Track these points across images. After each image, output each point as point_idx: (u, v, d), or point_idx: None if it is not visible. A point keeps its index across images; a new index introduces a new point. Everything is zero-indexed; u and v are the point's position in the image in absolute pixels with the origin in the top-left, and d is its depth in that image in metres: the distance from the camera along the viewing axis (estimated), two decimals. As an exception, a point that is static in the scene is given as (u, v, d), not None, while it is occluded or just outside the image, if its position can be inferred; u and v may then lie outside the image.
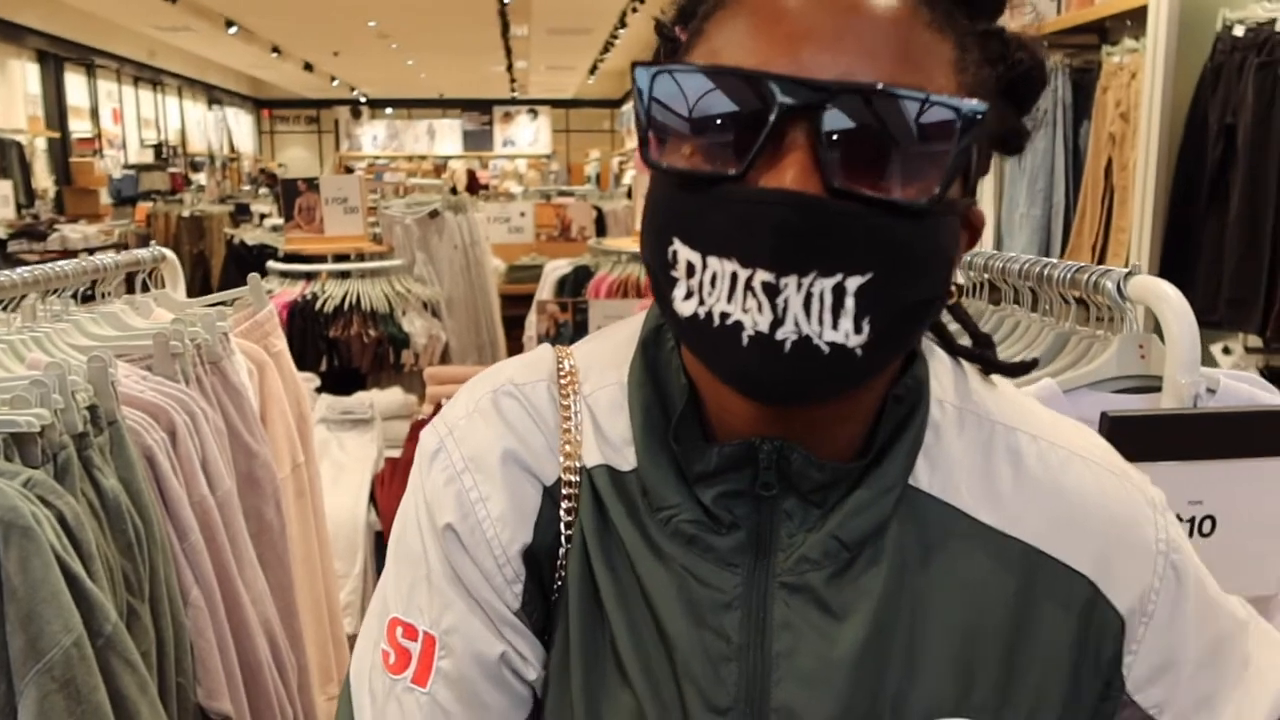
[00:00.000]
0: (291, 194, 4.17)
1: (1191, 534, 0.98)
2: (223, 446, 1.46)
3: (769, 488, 0.57)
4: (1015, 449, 0.60)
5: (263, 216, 7.43)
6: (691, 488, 0.58)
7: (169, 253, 1.86)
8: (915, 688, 0.57)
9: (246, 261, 5.05)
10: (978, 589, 0.58)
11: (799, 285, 0.48)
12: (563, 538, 0.61)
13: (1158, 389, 1.05)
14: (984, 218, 0.60)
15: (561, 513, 0.61)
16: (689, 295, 0.51)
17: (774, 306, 0.49)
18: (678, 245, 0.51)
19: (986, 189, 3.83)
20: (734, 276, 0.49)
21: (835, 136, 0.48)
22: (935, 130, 0.49)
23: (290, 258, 4.00)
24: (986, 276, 1.39)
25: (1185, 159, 2.71)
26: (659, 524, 0.59)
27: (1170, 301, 1.01)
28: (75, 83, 12.95)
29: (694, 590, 0.57)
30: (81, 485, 1.06)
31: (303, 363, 3.42)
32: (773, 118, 0.48)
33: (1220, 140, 2.60)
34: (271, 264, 3.97)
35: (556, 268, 4.62)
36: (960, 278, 1.76)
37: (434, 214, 4.71)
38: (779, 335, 0.49)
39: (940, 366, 0.63)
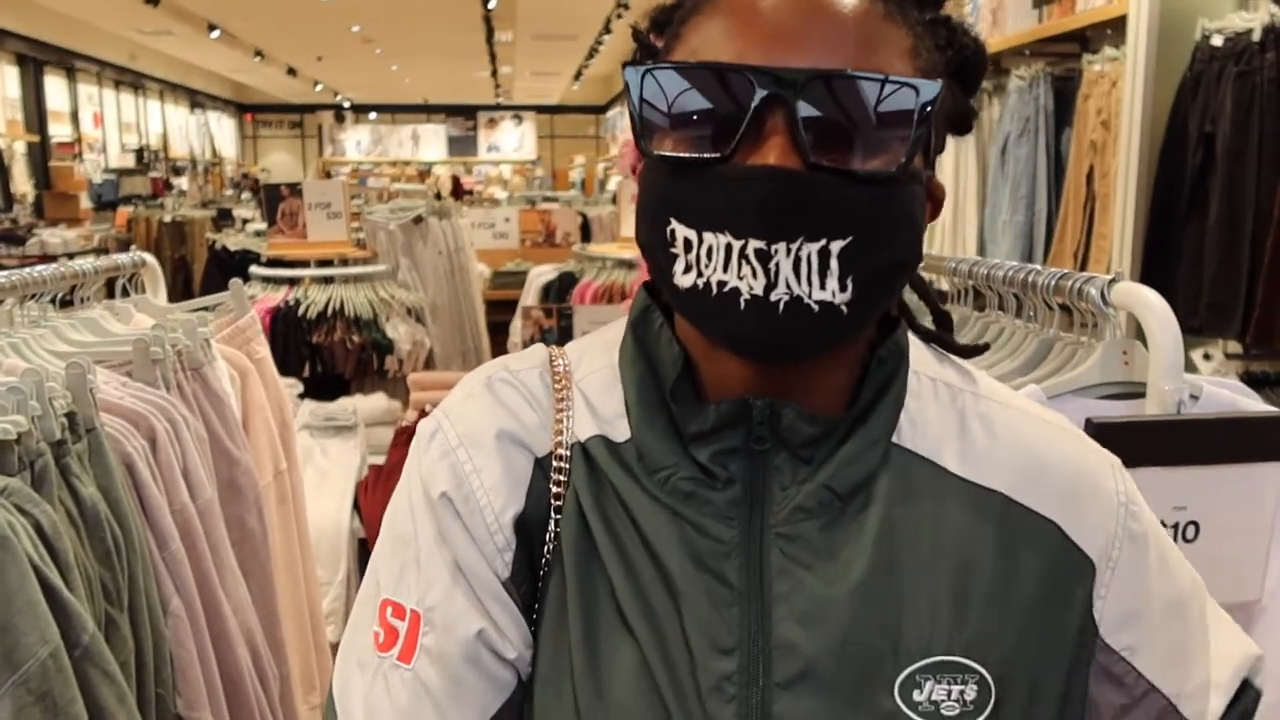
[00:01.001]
0: (274, 199, 4.15)
1: (1176, 540, 0.98)
2: (204, 453, 1.45)
3: (762, 442, 0.61)
4: (985, 414, 0.66)
5: (245, 221, 7.39)
6: (687, 448, 0.62)
7: (149, 257, 1.85)
8: (912, 624, 0.60)
9: (229, 267, 5.01)
10: (962, 534, 0.62)
11: (788, 250, 0.54)
12: (552, 509, 0.64)
13: (1141, 395, 1.06)
14: (944, 189, 0.65)
15: (551, 485, 0.64)
16: (688, 269, 0.57)
17: (767, 271, 0.54)
18: (675, 224, 0.57)
19: (970, 196, 3.85)
20: (728, 248, 0.55)
21: (809, 118, 0.54)
22: (897, 108, 0.55)
23: (273, 263, 3.97)
24: (971, 283, 1.39)
25: (1165, 166, 2.74)
26: (657, 484, 0.62)
27: (1154, 308, 1.02)
28: (55, 86, 12.85)
29: (694, 540, 0.61)
30: (59, 493, 1.05)
31: (286, 369, 3.40)
32: (754, 104, 0.54)
33: (1200, 148, 2.63)
34: (254, 269, 3.95)
35: (541, 273, 4.61)
36: (945, 284, 1.77)
37: (418, 219, 4.69)
38: (773, 297, 0.55)
39: (913, 342, 0.69)
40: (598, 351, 0.70)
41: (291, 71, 16.73)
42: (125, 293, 1.76)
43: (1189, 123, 2.66)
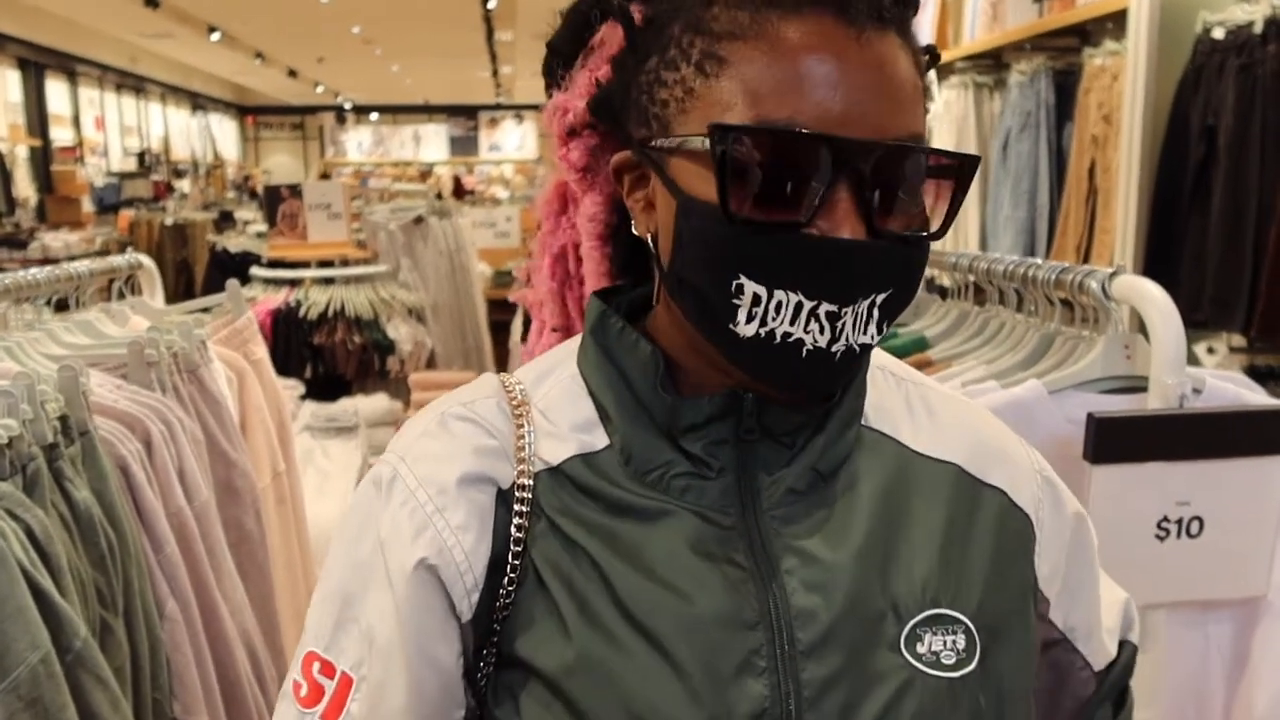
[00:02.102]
0: (275, 200, 4.15)
1: (1179, 535, 0.97)
2: (200, 456, 1.44)
3: (751, 433, 0.65)
4: (925, 397, 0.74)
5: (246, 223, 7.38)
6: (675, 442, 0.65)
7: (146, 259, 1.84)
8: (905, 582, 0.65)
9: (230, 269, 5.00)
10: (936, 501, 0.68)
11: (854, 310, 0.60)
12: (513, 540, 0.65)
13: (1143, 389, 1.04)
14: None
15: (514, 515, 0.65)
16: (750, 319, 0.60)
17: (834, 329, 0.60)
18: (744, 280, 0.59)
19: (971, 191, 3.83)
20: (799, 305, 0.59)
21: (879, 186, 0.58)
22: (944, 173, 0.61)
23: (274, 264, 3.96)
24: (971, 278, 1.38)
25: (1167, 160, 2.72)
26: (651, 483, 0.65)
27: (1156, 301, 1.00)
28: (57, 90, 12.86)
29: (698, 529, 0.64)
30: (52, 497, 1.04)
31: (287, 370, 3.39)
32: (827, 173, 0.57)
33: (1202, 141, 2.61)
34: (255, 270, 3.94)
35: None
36: (946, 280, 1.76)
37: (419, 220, 4.69)
38: (833, 349, 0.60)
39: None
40: (553, 369, 0.71)
41: (292, 73, 16.73)
42: (122, 295, 1.75)
43: (1191, 116, 2.64)
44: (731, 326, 0.60)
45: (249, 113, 22.15)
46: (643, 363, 0.66)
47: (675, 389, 0.66)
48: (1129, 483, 0.96)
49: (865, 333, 0.61)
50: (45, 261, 7.31)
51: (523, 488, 0.65)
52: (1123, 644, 0.78)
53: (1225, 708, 1.09)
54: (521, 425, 0.67)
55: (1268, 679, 1.07)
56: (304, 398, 3.38)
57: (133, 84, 15.57)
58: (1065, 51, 3.33)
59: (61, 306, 1.66)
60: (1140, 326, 1.10)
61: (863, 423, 0.70)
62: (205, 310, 1.85)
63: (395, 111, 22.24)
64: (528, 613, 0.64)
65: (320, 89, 19.46)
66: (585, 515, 0.65)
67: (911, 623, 0.64)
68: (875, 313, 0.61)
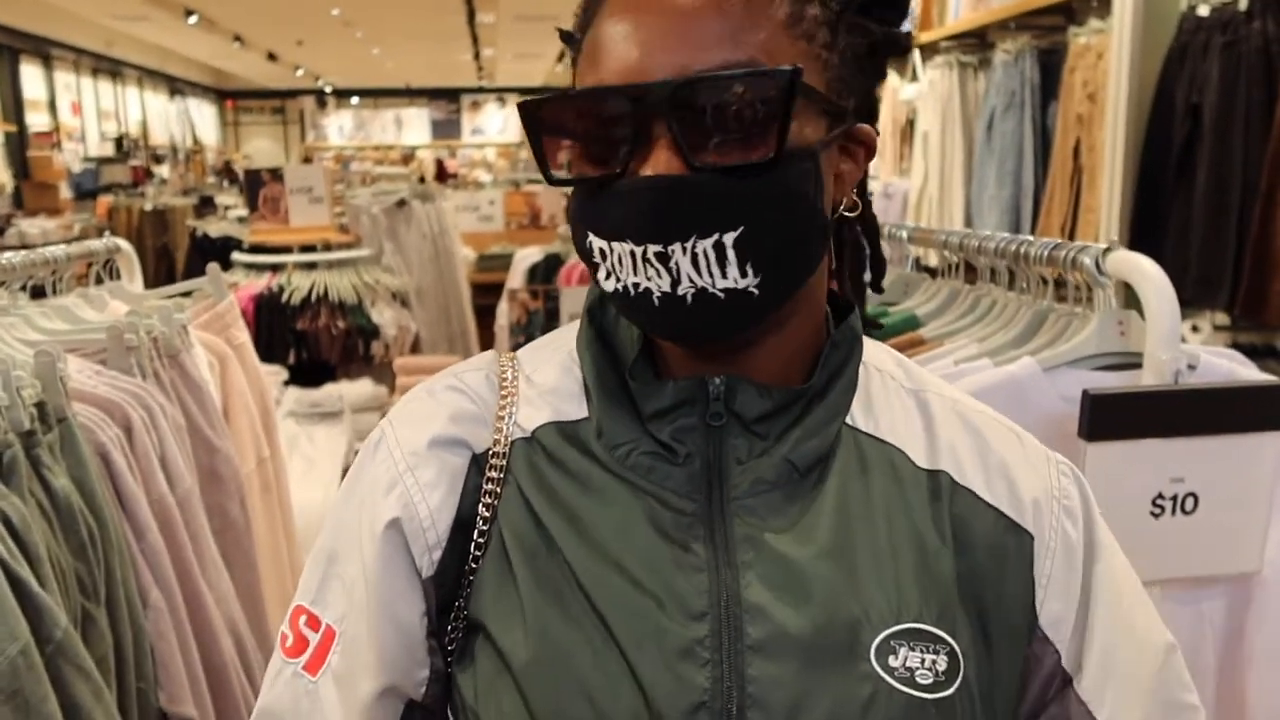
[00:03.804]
0: (255, 184, 4.10)
1: (1174, 512, 0.97)
2: (182, 442, 1.42)
3: (718, 418, 0.64)
4: (925, 403, 0.70)
5: (227, 208, 7.30)
6: (646, 425, 0.65)
7: (124, 243, 1.81)
8: (880, 592, 0.61)
9: (211, 254, 4.95)
10: (918, 510, 0.65)
11: (684, 249, 0.58)
12: (483, 504, 0.66)
13: (1138, 366, 1.04)
14: (872, 134, 0.67)
15: (486, 481, 0.66)
16: (608, 275, 0.62)
17: (670, 270, 0.59)
18: (591, 237, 0.62)
19: (956, 171, 3.82)
20: (633, 254, 0.59)
21: (683, 124, 0.58)
22: (761, 97, 0.58)
23: (255, 249, 3.92)
24: (962, 255, 1.37)
25: (1152, 139, 2.72)
26: (618, 459, 0.65)
27: (1151, 277, 0.99)
28: (31, 75, 12.67)
29: (658, 512, 0.63)
30: (30, 485, 1.02)
31: (271, 356, 3.36)
32: (631, 120, 0.58)
33: (1187, 120, 2.61)
34: (236, 256, 3.90)
35: (527, 256, 4.57)
36: (934, 259, 1.75)
37: (401, 203, 4.64)
38: (679, 291, 0.59)
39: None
40: (552, 345, 0.73)
41: (272, 57, 16.53)
42: (100, 280, 1.72)
43: (1176, 94, 2.64)
44: (603, 285, 0.62)
45: (228, 97, 21.90)
46: (626, 345, 0.67)
47: (657, 373, 0.67)
48: (1124, 460, 0.96)
49: (724, 275, 0.59)
50: (23, 249, 7.20)
51: (497, 454, 0.66)
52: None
53: (1218, 683, 1.09)
54: (506, 396, 0.68)
55: (1260, 655, 1.07)
56: (288, 384, 3.35)
57: (109, 68, 15.35)
58: (1050, 30, 3.32)
59: (39, 294, 1.63)
60: (1129, 303, 1.10)
61: (850, 423, 0.67)
62: (186, 295, 1.82)
63: (376, 95, 22.04)
64: (491, 581, 0.65)
65: (300, 72, 19.25)
66: (552, 486, 0.65)
67: (886, 632, 0.60)
68: (730, 253, 0.58)
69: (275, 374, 3.19)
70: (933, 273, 1.55)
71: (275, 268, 3.72)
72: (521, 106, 0.62)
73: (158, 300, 1.68)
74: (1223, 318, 2.67)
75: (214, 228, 5.68)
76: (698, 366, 0.65)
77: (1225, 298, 2.54)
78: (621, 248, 0.60)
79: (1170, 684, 0.67)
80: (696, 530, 0.62)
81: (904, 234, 1.52)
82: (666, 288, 0.59)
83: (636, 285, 0.60)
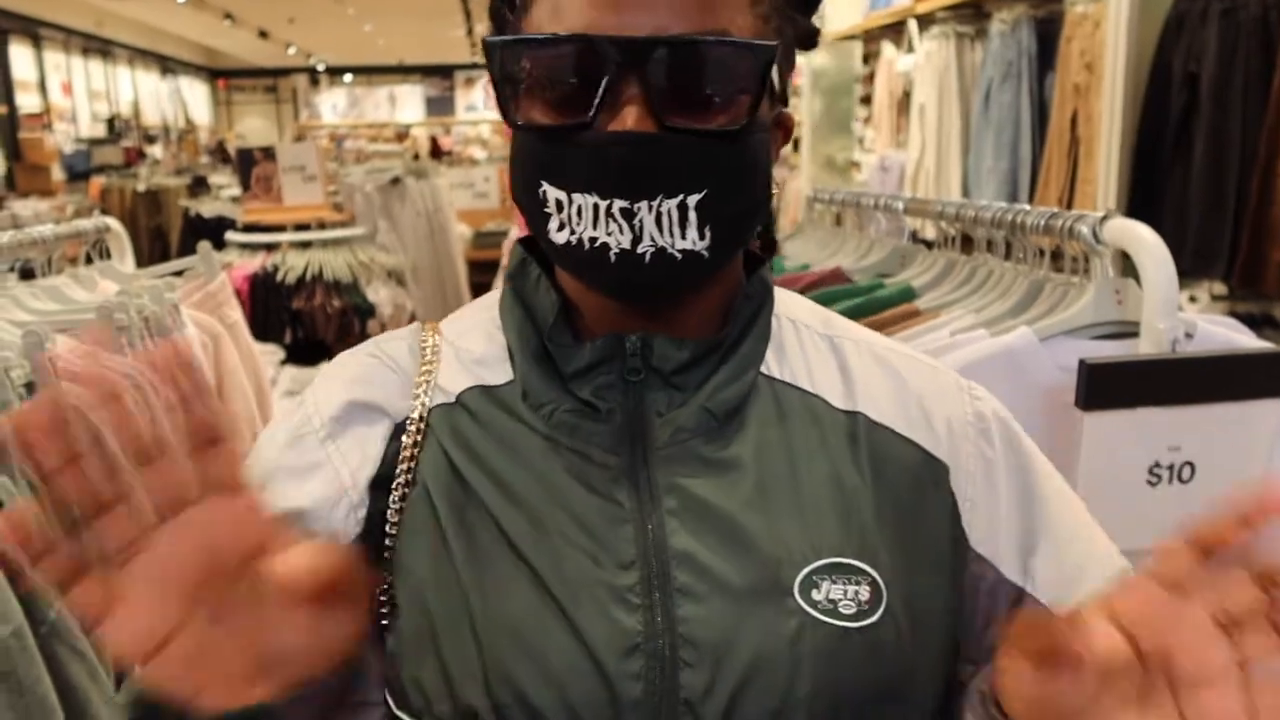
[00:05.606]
0: (248, 163, 4.07)
1: (1171, 481, 0.96)
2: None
3: (636, 373, 0.66)
4: (839, 348, 0.72)
5: (220, 188, 7.26)
6: (568, 385, 0.66)
7: (114, 222, 1.79)
8: (801, 531, 0.64)
9: (204, 234, 4.88)
10: (836, 452, 0.67)
11: (650, 208, 0.60)
12: (406, 465, 0.67)
13: (1135, 334, 1.03)
14: (793, 119, 0.70)
15: (405, 446, 0.67)
16: (561, 227, 0.62)
17: (633, 227, 0.60)
18: (546, 186, 0.62)
19: (953, 143, 3.80)
20: (596, 207, 0.60)
21: (659, 83, 0.59)
22: (738, 67, 0.60)
23: (249, 229, 3.90)
24: (959, 226, 1.36)
25: (1150, 108, 2.70)
26: (542, 419, 0.66)
27: (1148, 245, 0.99)
28: (21, 55, 12.56)
29: (582, 468, 0.65)
30: (20, 466, 1.01)
31: (266, 335, 3.35)
32: (608, 73, 0.58)
33: (1184, 89, 2.59)
34: (230, 235, 3.87)
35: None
36: (931, 231, 1.74)
37: (395, 181, 4.62)
38: (639, 249, 0.60)
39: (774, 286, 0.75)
40: (476, 311, 0.75)
41: (263, 34, 16.39)
42: (90, 261, 1.71)
43: (1173, 63, 2.62)
44: (550, 236, 0.63)
45: (220, 76, 21.74)
46: (545, 308, 0.68)
47: (576, 335, 0.68)
48: (1121, 429, 0.95)
49: (684, 236, 0.61)
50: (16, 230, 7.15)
51: (413, 420, 0.67)
52: None
53: (1214, 652, 1.10)
54: (427, 364, 0.70)
55: (1257, 622, 1.07)
56: (284, 363, 3.34)
57: (99, 48, 15.22)
58: (1047, 0, 3.30)
59: (28, 275, 1.62)
60: (1126, 273, 1.09)
61: (765, 371, 0.69)
62: (177, 274, 1.81)
63: (369, 73, 21.89)
64: (419, 537, 0.65)
65: (292, 50, 19.11)
66: (476, 448, 0.66)
67: (808, 569, 0.63)
68: (691, 215, 0.60)
69: (272, 353, 3.18)
70: (930, 246, 1.54)
71: (270, 247, 3.71)
72: (487, 44, 0.62)
73: (149, 280, 1.67)
74: (1220, 288, 2.67)
75: (207, 208, 5.65)
76: (616, 325, 0.66)
77: (1223, 267, 2.53)
78: (584, 200, 0.60)
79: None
80: (622, 483, 0.64)
81: (900, 205, 1.51)
82: (627, 245, 0.60)
83: (594, 239, 0.61)
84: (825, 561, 0.63)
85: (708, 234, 0.61)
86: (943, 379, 0.72)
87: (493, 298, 0.74)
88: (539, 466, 0.65)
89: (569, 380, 0.66)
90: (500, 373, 0.69)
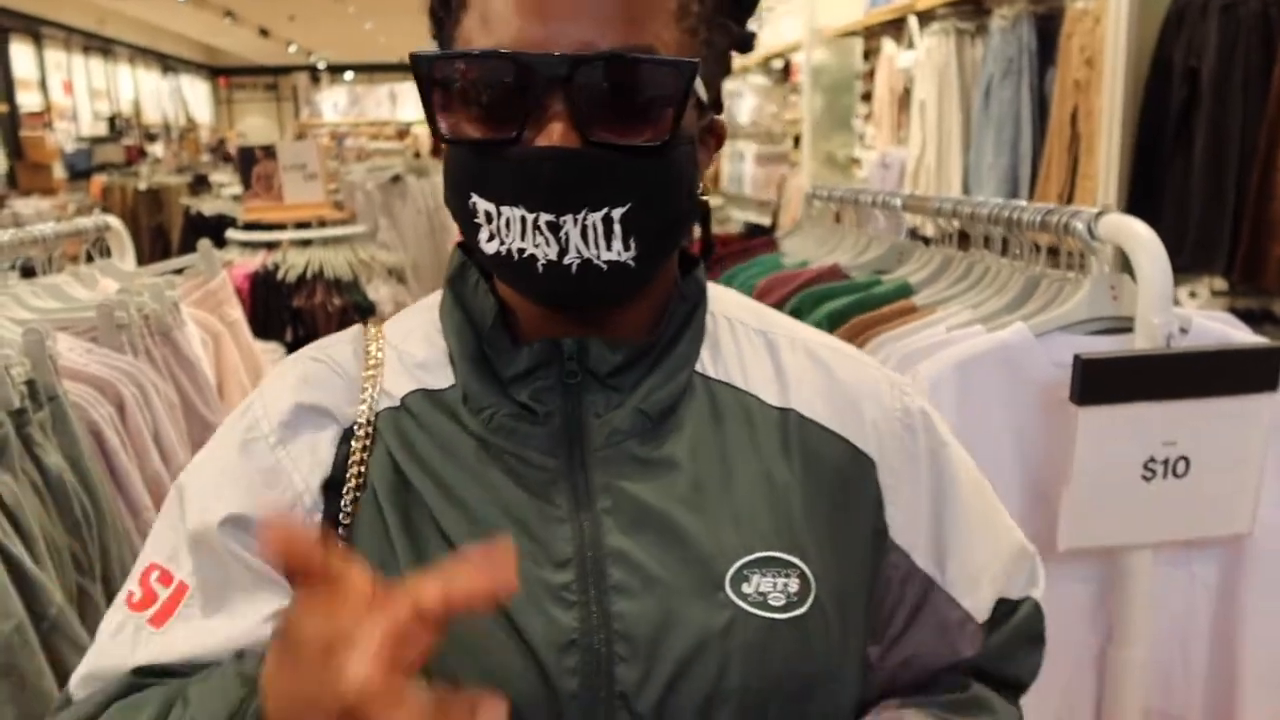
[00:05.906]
0: (249, 161, 4.07)
1: (1166, 475, 0.97)
2: (176, 420, 1.42)
3: (574, 376, 0.67)
4: (773, 344, 0.74)
5: (221, 186, 7.26)
6: (507, 389, 0.67)
7: (114, 221, 1.80)
8: (733, 528, 0.65)
9: (205, 233, 4.89)
10: (768, 449, 0.69)
11: (575, 221, 0.61)
12: (356, 469, 0.67)
13: (1130, 330, 1.03)
14: (725, 126, 0.72)
15: (355, 445, 0.68)
16: (491, 237, 0.63)
17: (559, 239, 0.61)
18: (475, 198, 0.63)
19: (953, 140, 3.80)
20: (523, 220, 0.61)
21: (585, 99, 0.60)
22: (661, 83, 0.61)
23: (250, 227, 3.90)
24: (956, 223, 1.36)
25: (1150, 103, 2.69)
26: (481, 423, 0.67)
27: (1143, 240, 0.99)
28: (22, 54, 12.56)
29: (520, 470, 0.66)
30: (21, 464, 1.02)
31: (267, 333, 3.35)
32: (534, 89, 0.60)
33: (1185, 84, 2.59)
34: (231, 233, 3.88)
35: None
36: (930, 228, 1.74)
37: (396, 179, 4.62)
38: (565, 261, 0.62)
39: (712, 286, 0.76)
40: (418, 314, 0.75)
41: (264, 32, 16.38)
42: (91, 259, 1.71)
43: (1174, 58, 2.61)
44: (481, 246, 0.64)
45: (221, 74, 21.74)
46: (484, 313, 0.69)
47: (514, 338, 0.69)
48: (1116, 424, 0.95)
49: (609, 248, 0.62)
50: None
51: (361, 424, 0.68)
52: (1000, 602, 0.74)
53: (1210, 644, 1.10)
54: (372, 368, 0.70)
55: (1252, 615, 1.07)
56: (284, 361, 3.34)
57: (100, 46, 15.22)
58: (1047, -5, 3.29)
59: (29, 273, 1.62)
60: (1123, 269, 1.09)
61: (701, 370, 0.71)
62: (178, 272, 1.82)
63: (370, 70, 21.87)
64: (366, 540, 0.66)
65: (293, 48, 19.10)
66: (420, 452, 0.67)
67: (739, 563, 0.65)
68: (616, 228, 0.61)
69: (272, 351, 3.19)
70: (929, 243, 1.55)
71: (270, 245, 3.71)
72: (414, 59, 0.63)
73: (149, 278, 1.67)
74: (1221, 283, 2.66)
75: (208, 206, 5.65)
76: (553, 329, 0.67)
77: (1223, 263, 2.53)
78: (511, 212, 0.61)
79: (1014, 577, 0.75)
80: (559, 485, 0.65)
81: (898, 202, 1.51)
82: (553, 256, 0.61)
83: (522, 251, 0.62)
84: (756, 555, 0.65)
85: (633, 245, 0.62)
86: (873, 375, 0.74)
87: (434, 299, 0.75)
88: (478, 469, 0.66)
89: (508, 384, 0.68)
90: (442, 377, 0.70)
